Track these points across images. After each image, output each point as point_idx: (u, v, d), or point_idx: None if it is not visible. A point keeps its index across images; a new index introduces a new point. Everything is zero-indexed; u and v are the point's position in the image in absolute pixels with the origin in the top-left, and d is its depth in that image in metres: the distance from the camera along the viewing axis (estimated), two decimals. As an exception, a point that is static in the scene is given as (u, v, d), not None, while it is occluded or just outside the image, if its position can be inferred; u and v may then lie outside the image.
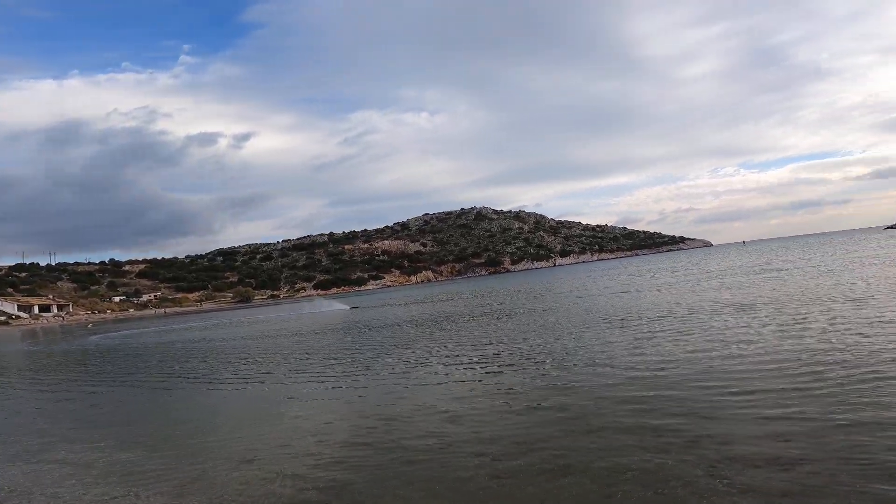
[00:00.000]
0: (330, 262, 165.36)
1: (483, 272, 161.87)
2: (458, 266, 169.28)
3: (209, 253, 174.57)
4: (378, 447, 5.80)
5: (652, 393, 6.78)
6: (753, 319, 11.95)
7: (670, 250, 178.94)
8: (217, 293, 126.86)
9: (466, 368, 10.10)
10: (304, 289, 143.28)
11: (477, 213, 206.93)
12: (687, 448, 4.81)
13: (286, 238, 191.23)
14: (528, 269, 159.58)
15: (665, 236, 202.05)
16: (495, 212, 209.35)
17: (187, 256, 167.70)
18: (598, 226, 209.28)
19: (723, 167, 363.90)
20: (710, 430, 5.17)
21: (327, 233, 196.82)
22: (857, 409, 5.27)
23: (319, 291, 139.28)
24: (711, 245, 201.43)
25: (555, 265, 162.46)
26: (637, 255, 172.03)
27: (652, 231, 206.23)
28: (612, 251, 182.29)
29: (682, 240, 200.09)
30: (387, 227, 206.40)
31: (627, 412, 6.10)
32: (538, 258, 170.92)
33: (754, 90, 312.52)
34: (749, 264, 37.90)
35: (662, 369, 8.03)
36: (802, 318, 11.23)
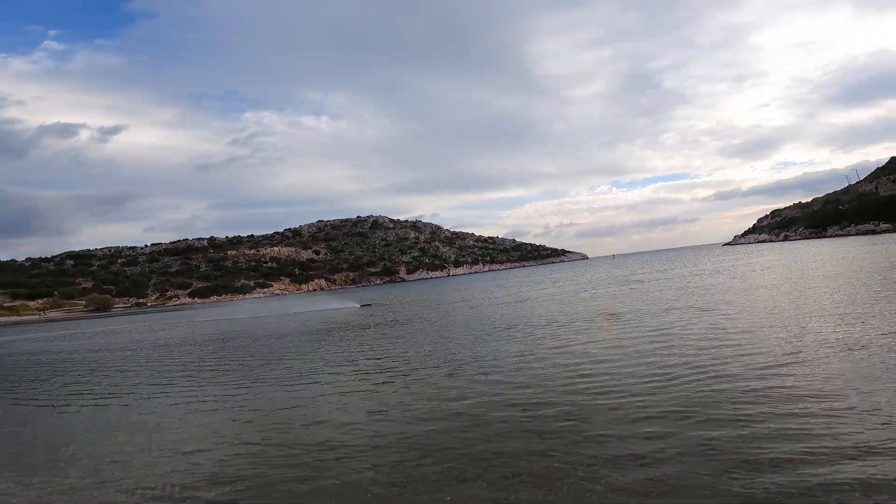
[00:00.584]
0: (210, 268, 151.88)
1: (378, 281, 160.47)
2: (352, 275, 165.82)
3: (57, 256, 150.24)
4: (265, 462, 5.38)
5: (537, 399, 7.20)
6: (621, 327, 13.32)
7: (553, 262, 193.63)
8: (66, 301, 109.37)
9: (360, 379, 9.85)
10: (176, 297, 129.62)
11: (373, 221, 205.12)
12: (569, 451, 5.17)
13: (157, 242, 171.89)
14: (423, 278, 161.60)
15: (549, 249, 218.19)
16: (392, 221, 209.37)
17: (28, 259, 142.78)
18: (490, 238, 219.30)
19: (599, 185, 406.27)
20: (588, 433, 5.62)
21: (207, 237, 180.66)
22: (709, 407, 6.09)
23: (197, 300, 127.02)
24: (587, 258, 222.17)
25: (449, 275, 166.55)
26: (524, 266, 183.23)
27: (538, 244, 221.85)
28: (502, 262, 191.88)
29: (564, 252, 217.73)
30: (276, 233, 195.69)
31: (516, 419, 6.40)
32: (433, 268, 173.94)
33: (631, 113, 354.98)
34: (617, 276, 42.40)
35: (546, 376, 8.57)
36: (660, 325, 12.79)
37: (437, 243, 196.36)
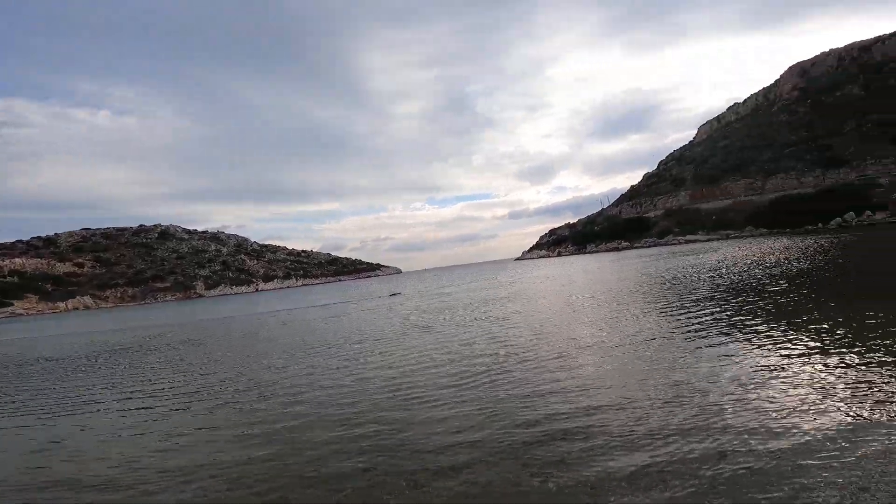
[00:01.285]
0: None
1: (169, 298, 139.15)
2: (131, 291, 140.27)
3: None
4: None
5: (355, 416, 7.30)
6: (432, 338, 14.31)
7: (368, 276, 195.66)
8: None
9: (151, 407, 8.46)
10: None
11: (162, 231, 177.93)
12: (390, 461, 5.41)
13: None
14: (226, 294, 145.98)
15: (365, 263, 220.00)
16: (187, 231, 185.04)
17: None
18: (303, 251, 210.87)
19: (414, 201, 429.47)
20: (407, 444, 5.94)
21: None
22: (508, 410, 6.98)
23: None
24: (401, 272, 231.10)
25: (257, 290, 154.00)
26: (340, 280, 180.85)
27: (354, 258, 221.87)
28: (316, 276, 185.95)
29: (379, 267, 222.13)
30: (20, 241, 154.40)
31: (335, 437, 6.38)
32: (238, 283, 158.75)
33: (445, 133, 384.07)
34: (429, 289, 45.25)
35: (362, 391, 8.71)
36: (465, 335, 14.15)
37: (243, 256, 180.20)
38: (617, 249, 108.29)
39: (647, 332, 11.27)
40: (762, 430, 5.13)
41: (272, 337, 19.49)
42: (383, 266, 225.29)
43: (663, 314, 13.70)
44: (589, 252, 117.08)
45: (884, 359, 7.18)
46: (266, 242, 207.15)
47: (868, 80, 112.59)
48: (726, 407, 5.93)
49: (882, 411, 5.31)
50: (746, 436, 5.04)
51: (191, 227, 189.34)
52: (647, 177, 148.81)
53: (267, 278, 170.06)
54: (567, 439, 5.55)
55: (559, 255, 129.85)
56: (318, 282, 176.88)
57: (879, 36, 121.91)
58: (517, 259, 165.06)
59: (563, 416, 6.33)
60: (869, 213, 75.96)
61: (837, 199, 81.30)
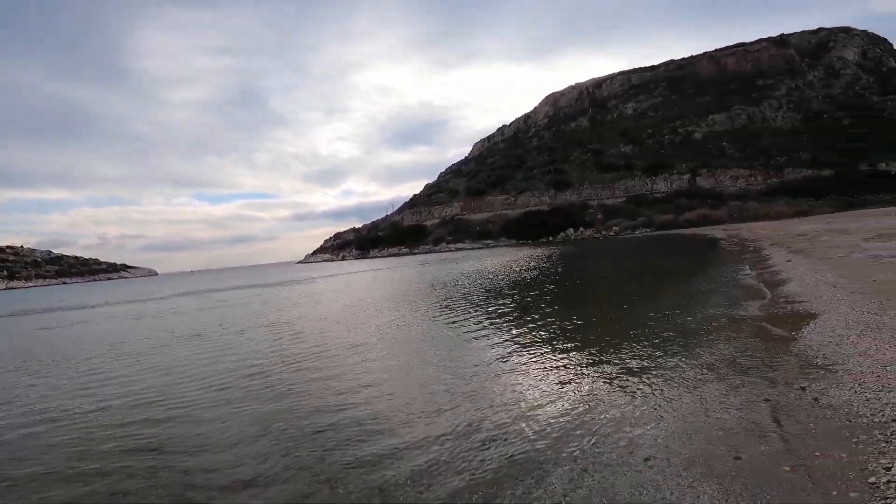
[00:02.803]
0: None
1: None
2: None
3: None
4: None
5: (99, 427, 5.97)
6: (202, 348, 12.61)
7: (110, 279, 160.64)
8: None
9: None
10: None
11: None
12: (148, 485, 4.57)
13: None
14: None
15: (104, 263, 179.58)
16: None
17: None
18: (8, 247, 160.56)
19: (178, 196, 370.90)
20: (171, 463, 5.13)
21: None
22: (294, 420, 6.49)
23: None
24: (157, 274, 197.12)
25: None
26: (65, 283, 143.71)
27: (88, 257, 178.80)
28: (28, 278, 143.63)
29: (126, 268, 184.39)
30: None
31: (71, 456, 5.05)
32: None
33: (229, 126, 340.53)
34: (198, 292, 39.76)
35: (109, 412, 7.13)
36: (242, 344, 12.96)
37: None
38: (398, 255, 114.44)
39: (420, 334, 12.25)
40: (521, 419, 5.82)
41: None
42: (132, 267, 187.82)
43: (433, 316, 15.11)
44: (372, 257, 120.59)
45: (600, 350, 9.45)
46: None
47: (594, 114, 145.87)
48: (487, 397, 6.88)
49: (601, 398, 6.98)
50: (510, 426, 5.56)
51: None
52: (427, 187, 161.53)
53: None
54: (352, 443, 5.47)
55: (343, 258, 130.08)
56: (30, 284, 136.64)
57: (609, 74, 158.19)
58: (300, 262, 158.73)
59: (347, 420, 6.20)
60: (583, 229, 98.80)
61: (563, 217, 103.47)
